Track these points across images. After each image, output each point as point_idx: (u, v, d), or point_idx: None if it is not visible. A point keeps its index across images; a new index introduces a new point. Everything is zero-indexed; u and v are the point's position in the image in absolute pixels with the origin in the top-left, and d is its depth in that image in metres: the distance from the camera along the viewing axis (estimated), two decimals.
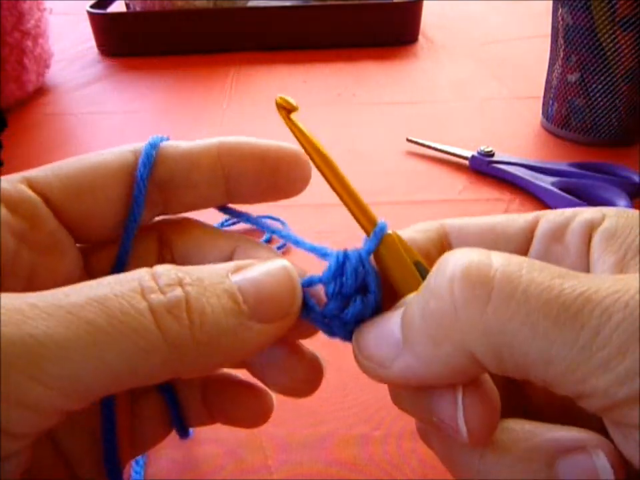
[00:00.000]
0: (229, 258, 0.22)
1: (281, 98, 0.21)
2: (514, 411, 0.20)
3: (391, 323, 0.18)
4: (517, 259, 0.16)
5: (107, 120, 0.70)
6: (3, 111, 0.69)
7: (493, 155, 0.57)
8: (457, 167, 0.59)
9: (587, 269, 0.19)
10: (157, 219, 0.23)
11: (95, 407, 0.22)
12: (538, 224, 0.21)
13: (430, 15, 0.93)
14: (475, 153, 0.58)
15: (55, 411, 0.14)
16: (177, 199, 0.22)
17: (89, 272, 0.22)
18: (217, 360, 0.17)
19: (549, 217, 0.21)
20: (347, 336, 0.20)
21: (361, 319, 0.19)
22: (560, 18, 0.59)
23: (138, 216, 0.20)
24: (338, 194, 0.21)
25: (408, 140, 0.62)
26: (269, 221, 0.50)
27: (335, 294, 0.19)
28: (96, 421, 0.22)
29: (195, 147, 0.21)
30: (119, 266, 0.21)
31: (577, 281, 0.15)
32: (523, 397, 0.21)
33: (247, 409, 0.25)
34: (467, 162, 0.59)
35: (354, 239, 0.51)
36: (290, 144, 0.22)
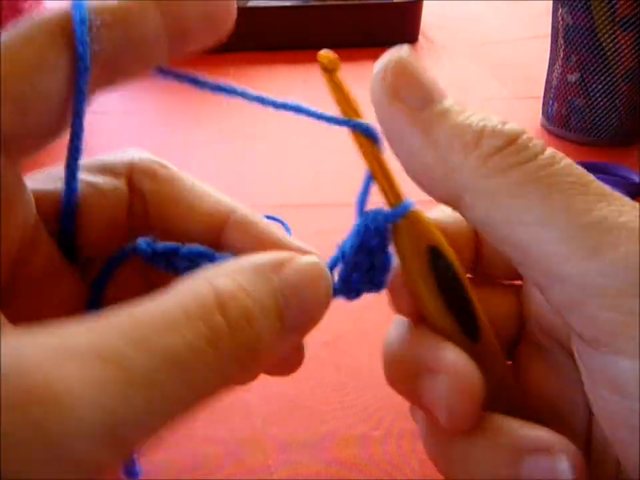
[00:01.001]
0: (219, 228, 0.21)
1: (324, 56, 0.21)
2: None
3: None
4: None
5: (107, 120, 0.70)
6: None
7: None
8: None
9: None
10: (125, 160, 0.21)
11: None
12: None
13: (430, 15, 0.93)
14: None
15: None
16: (121, 70, 0.19)
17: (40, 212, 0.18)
18: (251, 374, 0.17)
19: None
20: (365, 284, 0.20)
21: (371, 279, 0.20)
22: (560, 18, 0.59)
23: (84, 99, 0.18)
24: (370, 163, 0.21)
25: None
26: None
27: (355, 249, 0.19)
28: None
29: (131, 7, 0.18)
30: (70, 200, 0.19)
31: (604, 187, 0.16)
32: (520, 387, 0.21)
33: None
34: None
35: None
36: None
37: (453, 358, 0.18)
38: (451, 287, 0.19)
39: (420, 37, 0.91)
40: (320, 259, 0.18)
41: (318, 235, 0.50)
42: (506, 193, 0.16)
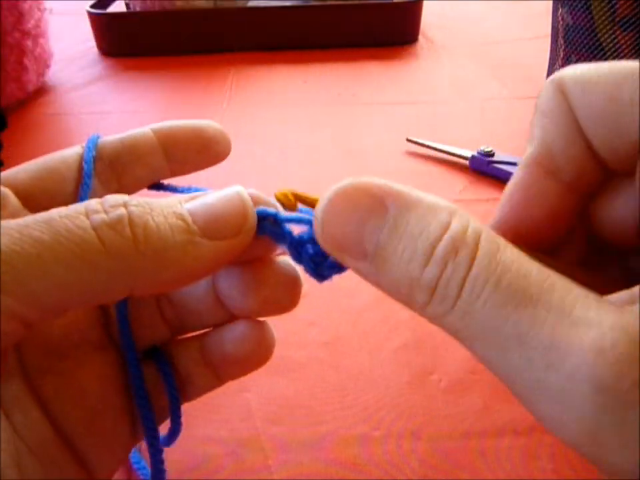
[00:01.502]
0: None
1: (281, 193, 0.22)
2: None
3: None
4: None
5: (106, 120, 0.70)
6: (3, 111, 0.69)
7: (493, 155, 0.57)
8: (457, 166, 0.59)
9: None
10: None
11: (90, 376, 0.21)
12: None
13: (430, 15, 0.93)
14: (475, 153, 0.58)
15: (13, 316, 0.16)
16: (127, 173, 0.24)
17: None
18: (168, 274, 0.17)
19: None
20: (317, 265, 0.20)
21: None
22: (560, 18, 0.59)
23: (88, 187, 0.22)
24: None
25: (408, 140, 0.62)
26: None
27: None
28: (94, 394, 0.22)
29: (133, 132, 0.24)
30: None
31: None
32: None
33: (249, 342, 0.23)
34: (467, 162, 0.59)
35: None
36: (212, 122, 0.25)
37: None
38: None
39: (420, 37, 0.91)
40: (243, 189, 0.20)
41: None
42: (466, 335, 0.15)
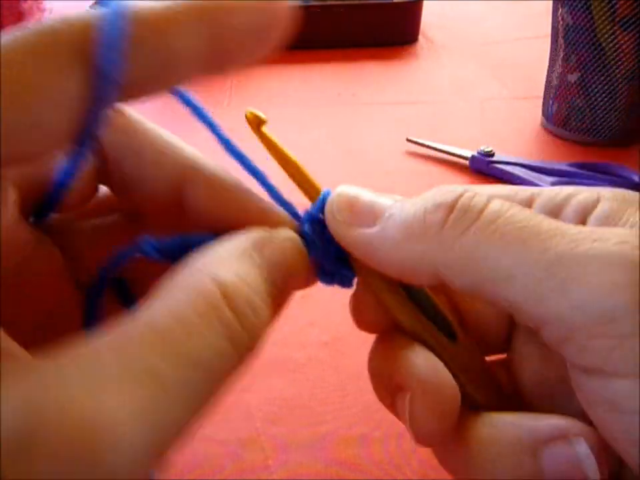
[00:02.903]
0: (177, 186, 0.20)
1: (250, 112, 0.21)
2: (507, 401, 0.20)
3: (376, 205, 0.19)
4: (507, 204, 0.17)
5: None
6: None
7: (493, 155, 0.57)
8: (457, 166, 0.59)
9: None
10: None
11: None
12: (533, 204, 0.19)
13: (430, 15, 0.93)
14: (475, 153, 0.58)
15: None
16: (146, 93, 0.15)
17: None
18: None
19: (544, 198, 0.19)
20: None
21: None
22: (560, 18, 0.59)
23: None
24: (283, 163, 0.23)
25: (408, 140, 0.62)
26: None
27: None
28: None
29: (175, 17, 0.14)
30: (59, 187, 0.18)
31: (556, 222, 0.16)
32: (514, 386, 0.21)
33: None
34: (467, 162, 0.59)
35: None
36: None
37: (421, 365, 0.18)
38: (413, 291, 0.20)
39: (420, 37, 0.91)
40: (292, 228, 0.19)
41: None
42: (468, 259, 0.16)
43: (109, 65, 0.13)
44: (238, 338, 0.15)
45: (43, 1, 0.76)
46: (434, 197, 0.18)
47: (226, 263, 0.16)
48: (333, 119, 0.69)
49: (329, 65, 0.83)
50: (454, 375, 0.18)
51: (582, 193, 0.19)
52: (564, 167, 0.55)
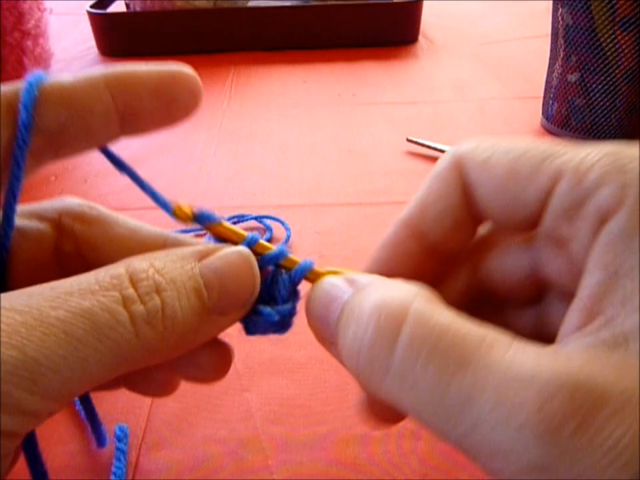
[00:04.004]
0: None
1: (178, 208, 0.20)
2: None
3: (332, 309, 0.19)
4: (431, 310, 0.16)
5: None
6: None
7: None
8: None
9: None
10: (56, 205, 0.22)
11: None
12: (556, 187, 0.18)
13: (430, 15, 0.93)
14: None
15: (46, 414, 0.16)
16: (67, 146, 0.19)
17: None
18: (178, 352, 0.18)
19: (565, 187, 0.17)
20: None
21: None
22: (560, 18, 0.59)
23: (19, 175, 0.18)
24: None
25: (408, 140, 0.62)
26: (269, 221, 0.50)
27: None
28: None
29: (82, 87, 0.19)
30: (1, 249, 0.20)
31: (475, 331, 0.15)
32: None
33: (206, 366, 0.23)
34: None
35: (353, 239, 0.51)
36: (181, 67, 0.20)
37: None
38: None
39: (420, 37, 0.91)
40: (252, 255, 0.19)
41: (317, 235, 0.50)
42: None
43: (24, 114, 0.17)
44: (135, 309, 0.16)
45: (43, 1, 0.76)
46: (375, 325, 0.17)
47: (150, 258, 0.18)
48: (333, 119, 0.69)
49: (329, 64, 0.83)
50: None
51: (605, 191, 0.16)
52: None
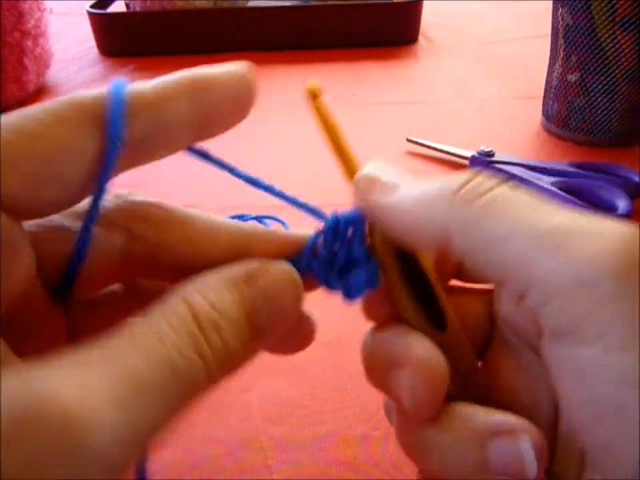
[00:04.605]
0: (245, 254, 0.20)
1: (311, 86, 0.23)
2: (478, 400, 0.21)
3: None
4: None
5: None
6: (3, 111, 0.69)
7: (493, 155, 0.57)
8: (457, 167, 0.59)
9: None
10: (122, 209, 0.20)
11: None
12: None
13: (430, 15, 0.93)
14: (475, 153, 0.58)
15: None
16: (147, 156, 0.19)
17: (42, 266, 0.18)
18: (234, 371, 0.18)
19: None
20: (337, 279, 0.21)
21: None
22: (560, 18, 0.59)
23: (105, 185, 0.18)
24: (331, 139, 0.25)
25: (408, 140, 0.62)
26: (269, 222, 0.50)
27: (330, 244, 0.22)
28: None
29: (164, 95, 0.18)
30: (76, 263, 0.19)
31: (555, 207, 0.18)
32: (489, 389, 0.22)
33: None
34: (467, 162, 0.59)
35: None
36: (247, 67, 0.20)
37: (420, 350, 0.20)
38: (417, 280, 0.21)
39: (420, 37, 0.91)
40: (297, 273, 0.19)
41: None
42: (476, 219, 0.18)
43: (114, 129, 0.17)
44: (204, 352, 0.16)
45: (43, 1, 0.76)
46: (447, 178, 0.19)
47: (203, 290, 0.17)
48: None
49: (329, 64, 0.83)
50: None
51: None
52: (564, 167, 0.54)
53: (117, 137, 0.17)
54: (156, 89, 0.18)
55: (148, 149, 0.18)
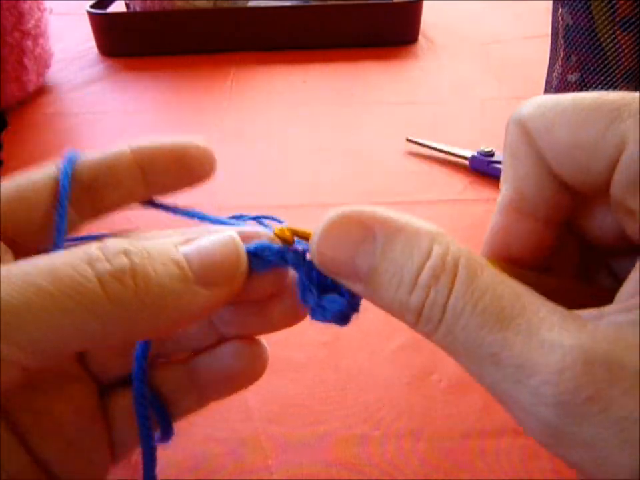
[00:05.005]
0: None
1: (278, 230, 0.23)
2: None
3: None
4: None
5: (107, 120, 0.70)
6: (4, 111, 0.69)
7: (492, 155, 0.57)
8: (457, 166, 0.59)
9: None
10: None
11: (66, 410, 0.22)
12: (620, 158, 0.17)
13: (430, 15, 0.93)
14: (475, 153, 0.58)
15: (14, 364, 0.16)
16: (103, 198, 0.22)
17: None
18: (164, 320, 0.18)
19: (627, 160, 0.17)
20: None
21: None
22: (560, 18, 0.59)
23: (64, 214, 0.21)
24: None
25: (408, 140, 0.62)
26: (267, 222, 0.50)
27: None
28: (70, 425, 0.22)
29: (111, 152, 0.22)
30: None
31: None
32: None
33: (245, 360, 0.24)
34: (467, 162, 0.59)
35: None
36: (193, 139, 0.24)
37: None
38: None
39: (420, 37, 0.91)
40: (236, 235, 0.20)
41: None
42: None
43: (62, 186, 0.21)
44: (99, 265, 0.17)
45: (43, 1, 0.76)
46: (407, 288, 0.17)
47: (140, 240, 0.18)
48: (333, 119, 0.69)
49: (329, 64, 0.83)
50: None
51: None
52: None
53: (67, 172, 0.21)
54: (103, 153, 0.22)
55: (101, 193, 0.22)
